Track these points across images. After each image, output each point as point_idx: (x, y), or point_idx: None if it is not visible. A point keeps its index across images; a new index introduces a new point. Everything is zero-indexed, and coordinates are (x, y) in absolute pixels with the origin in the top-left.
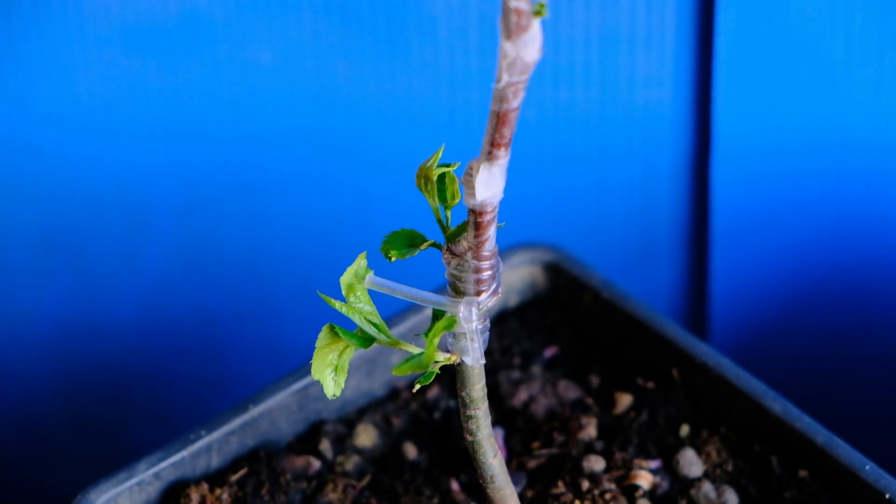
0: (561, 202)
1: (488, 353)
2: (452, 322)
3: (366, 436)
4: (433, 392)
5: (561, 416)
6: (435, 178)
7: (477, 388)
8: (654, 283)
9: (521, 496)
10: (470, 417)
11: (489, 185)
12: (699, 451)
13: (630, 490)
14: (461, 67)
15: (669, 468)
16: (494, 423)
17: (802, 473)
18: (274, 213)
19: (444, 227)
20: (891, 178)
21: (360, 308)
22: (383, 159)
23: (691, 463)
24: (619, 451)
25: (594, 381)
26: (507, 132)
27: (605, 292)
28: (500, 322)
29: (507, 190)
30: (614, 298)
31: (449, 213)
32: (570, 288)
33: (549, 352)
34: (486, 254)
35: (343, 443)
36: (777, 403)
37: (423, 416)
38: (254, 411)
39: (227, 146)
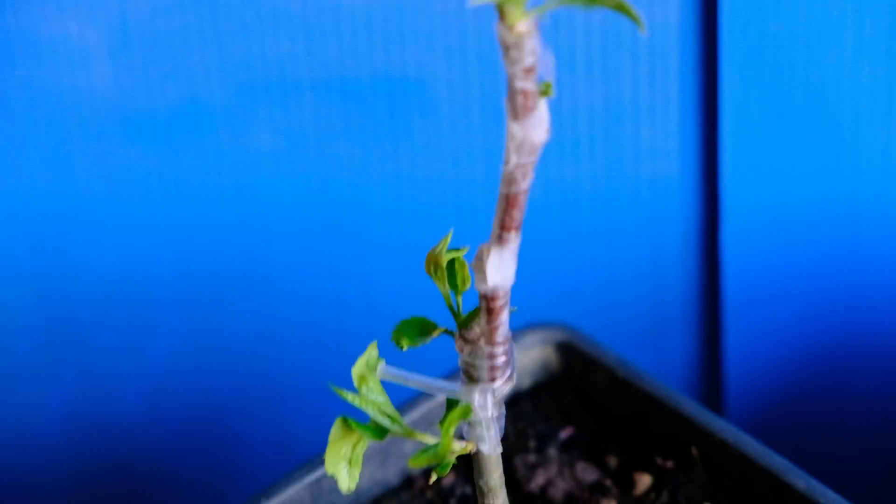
0: (569, 279)
1: (503, 438)
2: (467, 411)
3: None
4: (449, 479)
5: (580, 499)
6: (445, 264)
7: (494, 476)
8: (666, 357)
9: None
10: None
11: (500, 269)
12: None
13: None
14: (465, 147)
15: None
16: None
17: None
18: (279, 300)
19: (455, 314)
20: None
21: (373, 399)
22: (389, 243)
23: None
24: None
25: (612, 461)
26: (518, 214)
27: (620, 371)
28: (514, 404)
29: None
30: (629, 376)
31: (460, 299)
32: (583, 367)
33: (565, 433)
34: (499, 339)
35: None
36: (801, 480)
37: None
38: None
39: (230, 234)
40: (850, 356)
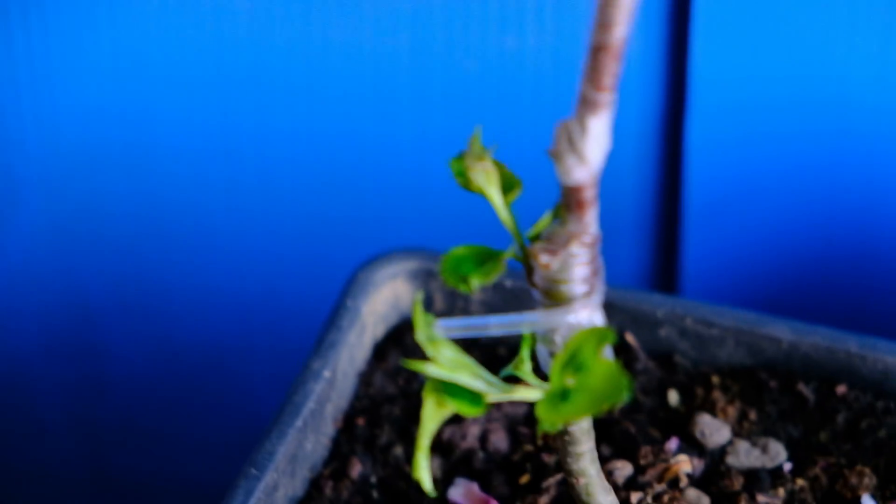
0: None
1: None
2: (606, 335)
3: None
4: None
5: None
6: (491, 164)
7: None
8: (618, 263)
9: None
10: (579, 455)
11: (597, 144)
12: (711, 411)
13: (675, 484)
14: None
15: (692, 444)
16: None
17: (840, 389)
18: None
19: (515, 228)
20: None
21: (459, 361)
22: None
23: (712, 428)
24: (640, 447)
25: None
26: (616, 67)
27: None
28: (379, 357)
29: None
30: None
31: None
32: (450, 299)
33: None
34: (594, 236)
35: None
36: (782, 325)
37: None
38: None
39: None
40: (828, 268)
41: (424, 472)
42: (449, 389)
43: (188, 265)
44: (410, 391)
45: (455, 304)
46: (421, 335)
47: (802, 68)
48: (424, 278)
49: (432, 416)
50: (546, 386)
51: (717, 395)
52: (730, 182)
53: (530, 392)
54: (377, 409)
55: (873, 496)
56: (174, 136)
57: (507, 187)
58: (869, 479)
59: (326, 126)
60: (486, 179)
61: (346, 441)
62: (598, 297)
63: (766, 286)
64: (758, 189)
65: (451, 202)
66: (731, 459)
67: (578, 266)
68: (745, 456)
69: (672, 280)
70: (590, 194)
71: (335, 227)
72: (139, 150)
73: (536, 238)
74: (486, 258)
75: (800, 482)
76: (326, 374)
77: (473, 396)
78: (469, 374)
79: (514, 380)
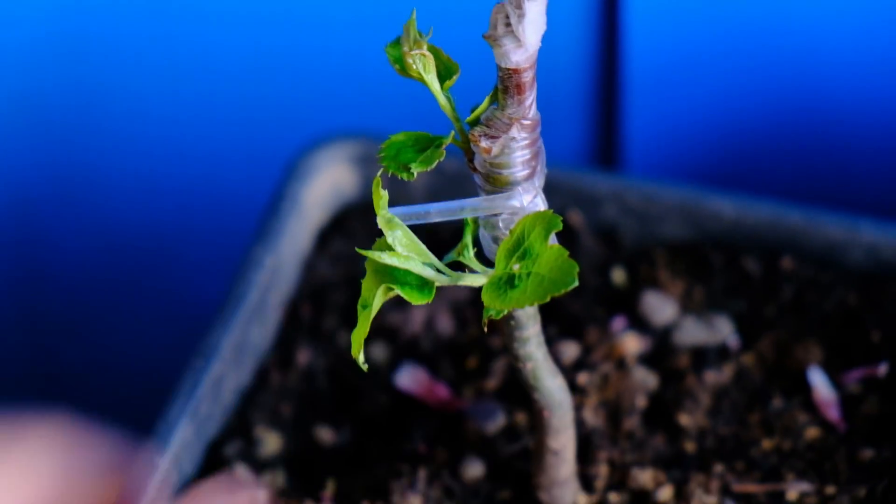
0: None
1: None
2: (553, 221)
3: None
4: None
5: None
6: (427, 50)
7: None
8: (557, 139)
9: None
10: (525, 340)
11: (533, 26)
12: (656, 288)
13: (622, 363)
14: None
15: (638, 322)
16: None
17: (785, 263)
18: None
19: (454, 113)
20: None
21: (411, 246)
22: None
23: (657, 305)
24: (585, 328)
25: None
26: None
27: None
28: (324, 243)
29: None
30: None
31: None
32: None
33: None
34: (533, 119)
35: None
36: (725, 200)
37: None
38: None
39: None
40: (771, 140)
41: (361, 353)
42: (395, 274)
43: (125, 153)
44: (355, 277)
45: (397, 190)
46: (381, 217)
47: None
48: (365, 163)
49: (377, 301)
50: (491, 272)
51: (662, 271)
52: (670, 50)
53: (477, 279)
54: (322, 297)
55: (821, 369)
56: (107, 23)
57: (445, 73)
58: (816, 353)
59: (262, 7)
60: (424, 66)
61: (291, 329)
62: (539, 181)
63: (711, 157)
64: (699, 57)
65: (390, 85)
66: (677, 336)
67: (519, 150)
68: (692, 332)
69: (613, 154)
70: (528, 77)
71: (272, 111)
72: (73, 38)
73: (476, 123)
74: (426, 144)
75: (747, 357)
76: (268, 262)
77: (421, 282)
78: (420, 261)
79: (458, 266)
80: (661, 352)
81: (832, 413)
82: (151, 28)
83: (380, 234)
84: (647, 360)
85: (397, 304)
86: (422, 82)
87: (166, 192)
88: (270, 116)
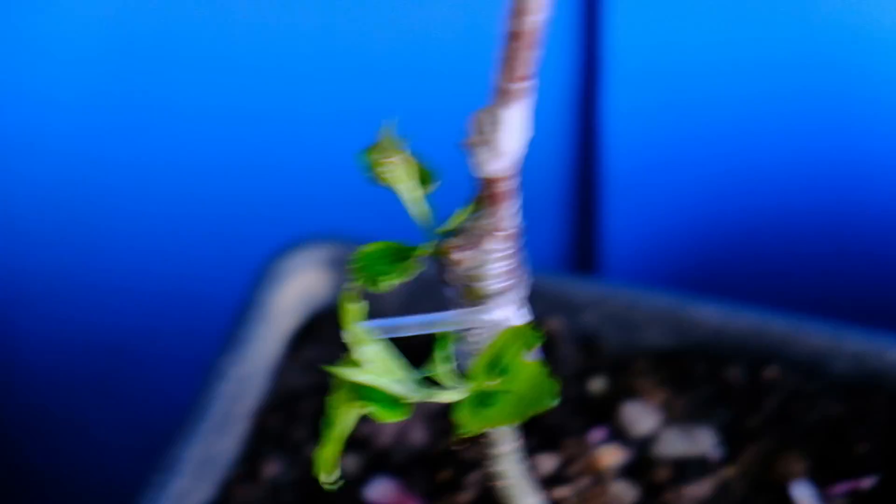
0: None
1: None
2: (531, 337)
3: None
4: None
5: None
6: (404, 159)
7: None
8: (535, 244)
9: None
10: (500, 457)
11: (514, 135)
12: (636, 398)
13: (601, 477)
14: None
15: (618, 433)
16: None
17: (770, 372)
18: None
19: (428, 224)
20: (827, 105)
21: (384, 365)
22: None
23: (638, 416)
24: (563, 439)
25: None
26: (532, 56)
27: None
28: (296, 349)
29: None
30: None
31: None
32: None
33: None
34: (514, 228)
35: None
36: (708, 307)
37: None
38: None
39: None
40: (752, 245)
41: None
42: (366, 391)
43: (95, 255)
44: (325, 385)
45: (370, 295)
46: (349, 333)
47: (721, 34)
48: (338, 267)
49: (344, 420)
50: (466, 388)
51: (643, 380)
52: (648, 155)
53: (452, 395)
54: (291, 406)
55: (809, 481)
56: (75, 122)
57: (421, 181)
58: (800, 465)
59: (234, 111)
60: (396, 175)
61: (258, 441)
62: (517, 294)
63: (691, 262)
64: (677, 162)
65: (365, 188)
66: (658, 448)
67: (495, 262)
68: (674, 444)
69: (592, 260)
70: (505, 186)
71: (243, 216)
72: (39, 137)
73: (450, 233)
74: (400, 255)
75: (729, 470)
76: (234, 372)
77: (393, 399)
78: (392, 378)
79: (433, 380)
80: (640, 464)
81: None
82: (121, 125)
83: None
84: (627, 472)
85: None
86: (396, 192)
87: (135, 296)
88: (243, 219)
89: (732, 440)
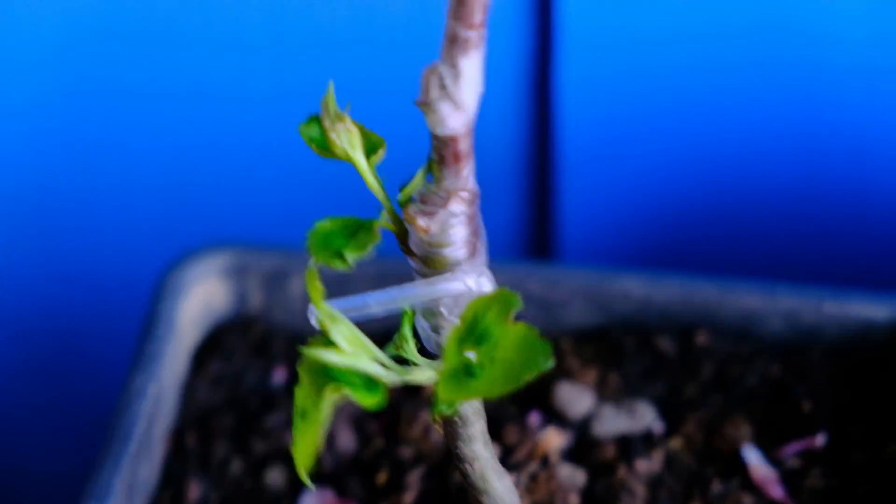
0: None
1: None
2: (512, 300)
3: None
4: None
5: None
6: (350, 125)
7: None
8: (486, 221)
9: None
10: (471, 438)
11: (473, 86)
12: (568, 379)
13: (546, 461)
14: None
15: (556, 416)
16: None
17: (702, 340)
18: None
19: (384, 192)
20: (785, 82)
21: (360, 342)
22: None
23: (572, 397)
24: (503, 426)
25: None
26: (484, 2)
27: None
28: (200, 368)
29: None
30: None
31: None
32: (270, 301)
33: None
34: (473, 191)
35: None
36: (631, 278)
37: None
38: None
39: None
40: (712, 219)
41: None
42: (336, 376)
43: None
44: (238, 399)
45: (274, 299)
46: (321, 313)
47: (675, 6)
48: (237, 275)
49: (326, 406)
50: (439, 365)
51: (572, 360)
52: (603, 134)
53: (428, 373)
54: (205, 424)
55: (755, 446)
56: None
57: (369, 149)
58: (746, 430)
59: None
60: (350, 141)
61: (178, 462)
62: (483, 259)
63: (651, 241)
64: (633, 139)
65: (255, 192)
66: (598, 427)
67: (459, 226)
68: (613, 421)
69: (547, 242)
70: (466, 144)
71: (135, 223)
72: None
73: (408, 202)
74: (355, 229)
75: (675, 442)
76: (151, 390)
77: (368, 382)
78: (368, 358)
79: (399, 361)
80: (584, 445)
81: (776, 491)
82: (26, 131)
83: (261, 349)
84: (572, 455)
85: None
86: (348, 160)
87: (39, 314)
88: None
89: (672, 412)
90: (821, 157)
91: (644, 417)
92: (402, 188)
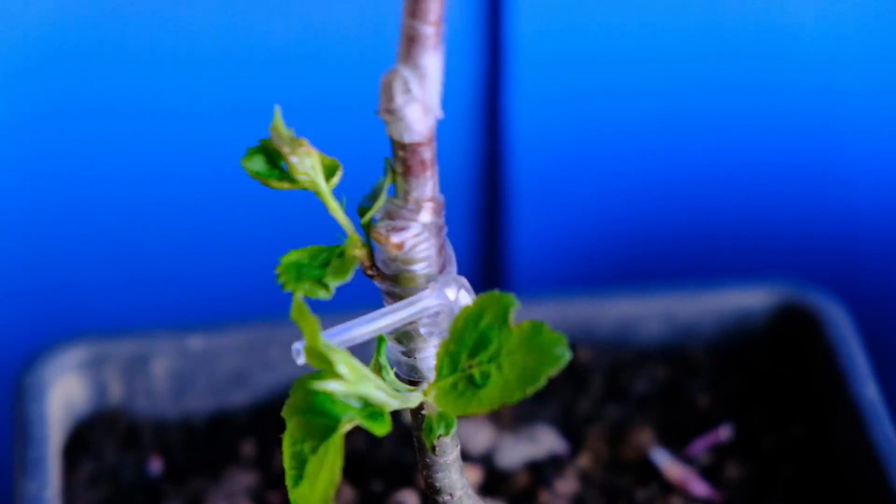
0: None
1: None
2: (509, 300)
3: None
4: None
5: None
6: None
7: None
8: None
9: None
10: (449, 466)
11: (437, 85)
12: None
13: None
14: None
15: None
16: None
17: (584, 355)
18: None
19: (345, 217)
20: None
21: (360, 371)
22: None
23: (470, 432)
24: (411, 473)
25: None
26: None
27: None
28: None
29: None
30: None
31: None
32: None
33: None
34: (439, 201)
35: None
36: None
37: None
38: None
39: None
40: (664, 243)
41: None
42: (329, 410)
43: None
44: (121, 496)
45: (135, 387)
46: (321, 346)
47: (623, 32)
48: (94, 368)
49: (335, 443)
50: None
51: None
52: (554, 159)
53: (432, 389)
54: None
55: (664, 448)
56: None
57: (328, 173)
58: (649, 434)
59: None
60: (313, 167)
61: None
62: (454, 270)
63: (600, 266)
64: (583, 165)
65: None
66: (503, 458)
67: (431, 238)
68: (516, 450)
69: (497, 269)
70: (432, 150)
71: None
72: None
73: (368, 223)
74: (326, 257)
75: (583, 459)
76: (48, 496)
77: (372, 412)
78: (373, 387)
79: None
80: (495, 478)
81: (698, 488)
82: None
83: (130, 442)
84: (487, 489)
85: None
86: (311, 189)
87: None
88: None
89: (572, 430)
90: (772, 186)
91: (545, 440)
92: (360, 208)
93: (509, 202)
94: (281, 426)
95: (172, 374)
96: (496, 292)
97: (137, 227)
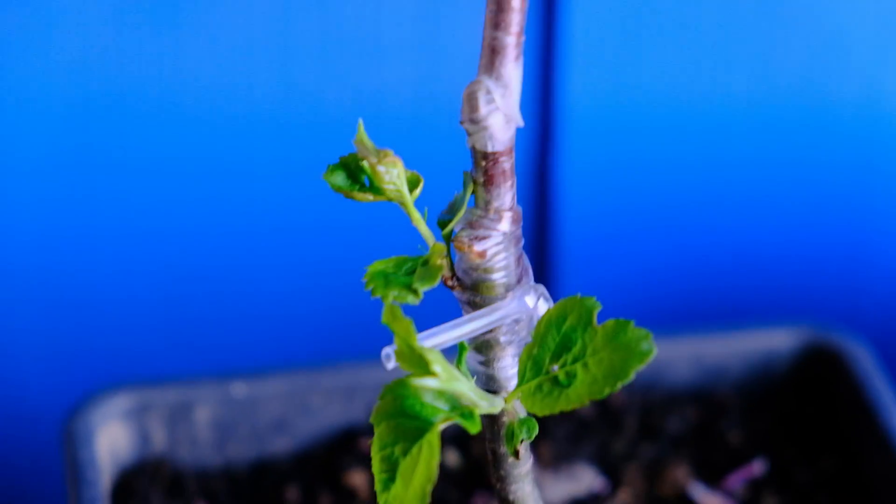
0: None
1: None
2: (592, 303)
3: None
4: None
5: None
6: (390, 160)
7: None
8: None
9: None
10: (524, 477)
11: (518, 95)
12: None
13: None
14: None
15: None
16: None
17: (615, 398)
18: None
19: (427, 228)
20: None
21: (452, 372)
22: None
23: None
24: None
25: None
26: (519, 4)
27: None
28: None
29: None
30: None
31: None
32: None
33: None
34: (518, 210)
35: None
36: None
37: None
38: None
39: None
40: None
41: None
42: (420, 412)
43: None
44: None
45: (178, 435)
46: (414, 346)
47: (672, 96)
48: (139, 415)
49: (431, 439)
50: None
51: None
52: (605, 223)
53: (518, 393)
54: None
55: (701, 482)
56: None
57: (411, 185)
58: (685, 470)
59: None
60: (400, 177)
61: None
62: (531, 278)
63: (629, 312)
64: (636, 227)
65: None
66: (545, 496)
67: (511, 247)
68: (557, 487)
69: None
70: (512, 160)
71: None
72: None
73: (449, 233)
74: (410, 266)
75: (623, 494)
76: None
77: (464, 411)
78: (467, 387)
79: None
80: None
81: None
82: None
83: (175, 493)
84: None
85: None
86: (396, 199)
87: None
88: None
89: (609, 468)
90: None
91: (585, 478)
92: (441, 220)
93: (554, 252)
94: (323, 473)
95: (215, 421)
96: (577, 296)
97: (182, 274)
